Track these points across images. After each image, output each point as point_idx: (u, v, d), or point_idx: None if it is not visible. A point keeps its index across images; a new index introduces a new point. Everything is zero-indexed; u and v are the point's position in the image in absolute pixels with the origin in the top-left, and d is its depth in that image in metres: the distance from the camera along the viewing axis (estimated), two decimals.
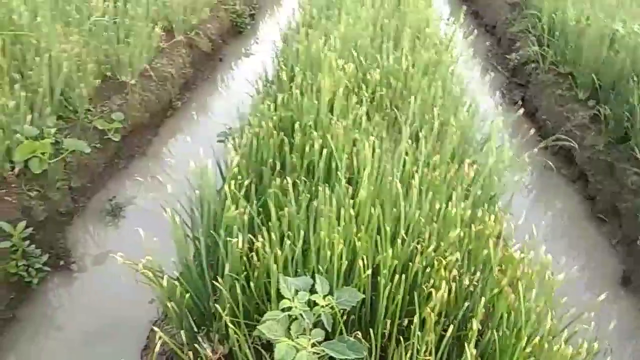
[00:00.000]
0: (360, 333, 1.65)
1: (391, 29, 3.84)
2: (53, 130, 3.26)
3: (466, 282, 1.90)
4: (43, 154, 3.09)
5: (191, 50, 5.31)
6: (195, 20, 5.40)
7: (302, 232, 1.88)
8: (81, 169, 3.50)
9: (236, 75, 5.78)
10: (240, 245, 1.81)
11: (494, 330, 1.73)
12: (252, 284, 1.84)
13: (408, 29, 3.76)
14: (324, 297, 1.61)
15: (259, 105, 3.10)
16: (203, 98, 5.11)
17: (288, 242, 1.81)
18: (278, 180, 2.25)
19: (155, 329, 2.02)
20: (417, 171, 2.31)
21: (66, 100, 3.63)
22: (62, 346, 2.61)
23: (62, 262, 3.00)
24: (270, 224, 1.93)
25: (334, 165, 2.40)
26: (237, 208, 2.03)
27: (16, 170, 3.06)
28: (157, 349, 1.79)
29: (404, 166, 2.42)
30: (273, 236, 1.82)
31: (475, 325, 1.65)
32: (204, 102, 5.07)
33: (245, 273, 1.85)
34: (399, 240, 1.90)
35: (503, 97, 5.28)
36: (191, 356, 1.74)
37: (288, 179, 2.19)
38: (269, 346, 1.73)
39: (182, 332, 1.86)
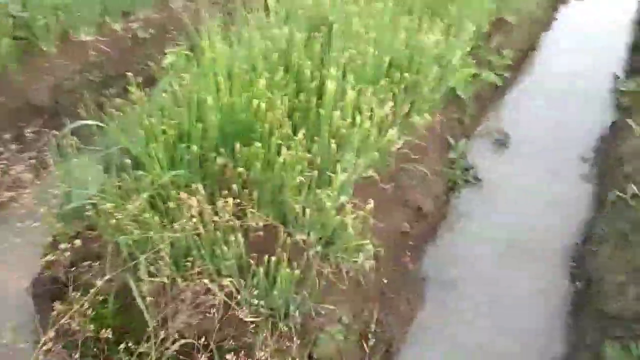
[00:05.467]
0: None
1: None
2: (471, 60, 3.63)
3: None
4: (468, 80, 3.49)
5: None
6: None
7: None
8: (476, 98, 3.85)
9: (575, 17, 5.61)
10: None
11: None
12: None
13: None
14: None
15: None
16: (557, 39, 5.09)
17: None
18: None
19: None
20: None
21: None
22: (482, 243, 3.02)
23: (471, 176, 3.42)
24: None
25: None
26: None
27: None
28: None
29: None
30: None
31: None
32: (557, 43, 5.04)
33: None
34: None
35: None
36: None
37: None
38: None
39: None
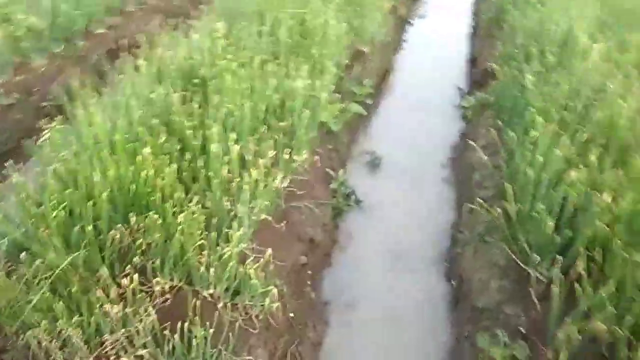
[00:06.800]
0: None
1: None
2: (338, 96, 3.97)
3: None
4: (338, 114, 3.82)
5: (396, 17, 5.84)
6: None
7: None
8: (347, 128, 4.22)
9: (421, 37, 6.30)
10: None
11: None
12: None
13: None
14: None
15: None
16: (407, 60, 5.69)
17: None
18: None
19: None
20: None
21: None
22: (370, 259, 3.36)
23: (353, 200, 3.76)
24: None
25: None
26: None
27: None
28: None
29: None
30: None
31: None
32: (408, 64, 5.64)
33: None
34: None
35: None
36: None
37: None
38: None
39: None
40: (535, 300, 2.47)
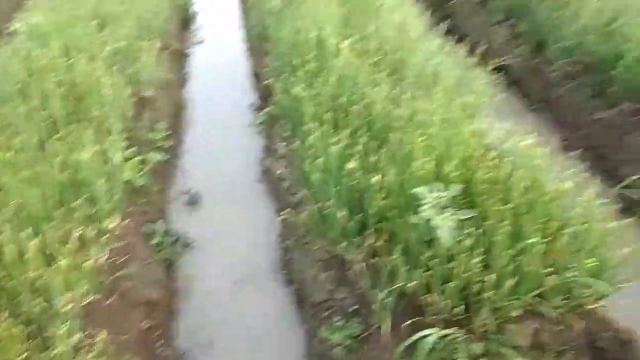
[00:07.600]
0: None
1: None
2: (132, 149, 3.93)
3: None
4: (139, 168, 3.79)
5: (170, 52, 5.88)
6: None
7: None
8: (154, 175, 4.20)
9: (203, 64, 6.46)
10: None
11: None
12: None
13: None
14: None
15: None
16: (196, 91, 5.81)
17: None
18: None
19: None
20: None
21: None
22: (214, 295, 3.45)
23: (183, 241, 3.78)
24: None
25: None
26: None
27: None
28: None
29: None
30: None
31: None
32: (198, 95, 5.76)
33: None
34: None
35: None
36: None
37: None
38: None
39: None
40: (356, 279, 2.82)
